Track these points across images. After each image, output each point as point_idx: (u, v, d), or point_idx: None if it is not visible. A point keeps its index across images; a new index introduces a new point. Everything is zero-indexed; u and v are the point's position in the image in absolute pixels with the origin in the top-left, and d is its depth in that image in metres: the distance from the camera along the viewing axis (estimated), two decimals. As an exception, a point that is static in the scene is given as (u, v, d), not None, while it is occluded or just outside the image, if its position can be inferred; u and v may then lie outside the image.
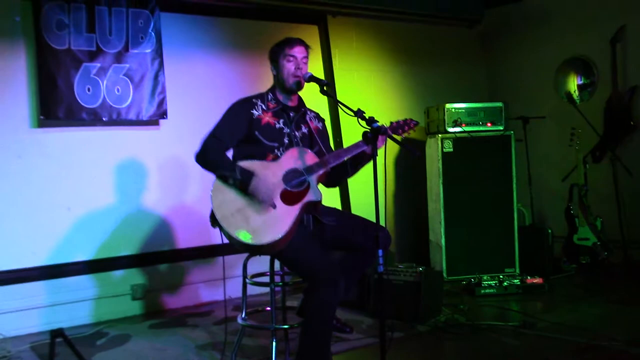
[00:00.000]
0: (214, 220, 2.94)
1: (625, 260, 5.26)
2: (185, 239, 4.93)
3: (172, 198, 4.90)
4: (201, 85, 5.04)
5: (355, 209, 5.46)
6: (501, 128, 5.41)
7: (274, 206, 2.87)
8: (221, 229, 2.92)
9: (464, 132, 5.34)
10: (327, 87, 2.97)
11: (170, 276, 4.90)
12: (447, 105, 5.36)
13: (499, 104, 5.46)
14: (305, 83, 3.10)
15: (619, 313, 4.28)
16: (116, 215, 4.66)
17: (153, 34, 4.70)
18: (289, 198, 2.92)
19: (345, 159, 3.09)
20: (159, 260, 4.84)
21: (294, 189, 2.94)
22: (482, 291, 4.80)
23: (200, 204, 4.89)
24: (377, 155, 2.66)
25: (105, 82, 4.50)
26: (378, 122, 2.69)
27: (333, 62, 5.70)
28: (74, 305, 4.45)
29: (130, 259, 4.71)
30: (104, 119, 4.51)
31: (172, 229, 4.90)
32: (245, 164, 2.98)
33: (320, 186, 3.20)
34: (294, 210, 2.88)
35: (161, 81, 4.74)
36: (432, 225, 5.53)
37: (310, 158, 3.06)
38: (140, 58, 4.66)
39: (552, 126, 6.10)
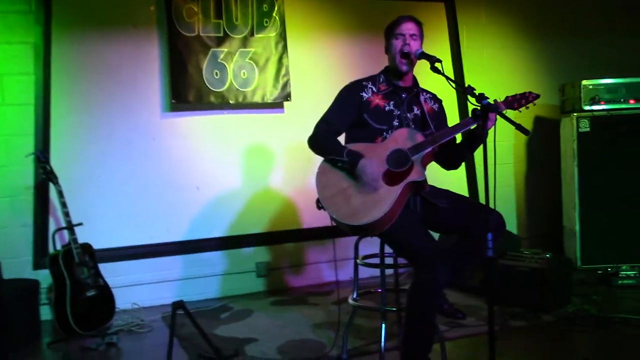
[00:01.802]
0: (319, 202, 2.94)
1: None
2: (308, 220, 5.00)
3: (296, 180, 4.98)
4: (325, 67, 5.08)
5: (483, 192, 5.29)
6: (646, 105, 4.96)
7: (378, 187, 2.82)
8: (325, 209, 2.93)
9: (603, 110, 4.95)
10: (438, 63, 2.85)
11: (293, 255, 5.01)
12: (584, 82, 4.99)
13: (644, 79, 5.00)
14: (417, 60, 3.00)
15: None
16: (243, 196, 4.84)
17: (277, 17, 4.80)
18: (392, 178, 2.86)
19: (455, 137, 2.96)
20: (283, 240, 4.97)
21: (397, 168, 2.87)
22: (620, 282, 4.46)
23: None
24: (487, 135, 2.53)
25: (231, 67, 4.66)
26: (488, 98, 2.55)
27: (460, 40, 5.51)
28: (203, 280, 4.69)
29: (255, 237, 4.87)
30: (230, 102, 4.67)
31: (296, 210, 5.00)
32: (352, 146, 2.96)
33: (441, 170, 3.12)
34: (396, 191, 2.82)
35: (285, 64, 4.83)
36: (566, 210, 5.20)
37: (419, 139, 2.97)
38: (265, 42, 4.77)
39: None
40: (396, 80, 3.13)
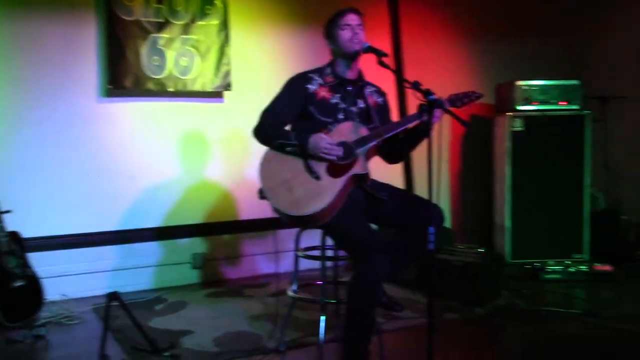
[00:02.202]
0: (261, 192, 2.92)
1: None
2: (246, 212, 4.96)
3: (235, 170, 4.93)
4: (267, 58, 5.04)
5: (418, 187, 5.38)
6: (577, 107, 5.14)
7: (319, 177, 2.82)
8: (267, 199, 2.91)
9: (536, 110, 5.11)
10: (385, 57, 2.87)
11: (230, 247, 4.97)
12: (518, 83, 5.14)
13: (575, 82, 5.18)
14: (363, 53, 3.01)
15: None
16: (180, 186, 4.75)
17: (220, 5, 4.72)
18: (335, 170, 2.87)
19: (399, 132, 3.00)
20: (220, 231, 4.92)
21: (341, 161, 2.89)
22: (547, 276, 4.63)
23: (261, 177, 4.92)
24: (432, 129, 2.56)
25: (172, 53, 4.56)
26: (435, 94, 2.58)
27: (401, 36, 5.56)
28: (137, 270, 4.58)
29: (191, 228, 4.80)
30: (169, 89, 4.57)
31: (233, 201, 4.95)
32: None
33: (380, 164, 3.15)
34: (339, 183, 2.83)
35: (227, 53, 4.76)
36: (497, 207, 5.36)
37: (363, 132, 2.99)
38: (206, 30, 4.69)
39: (634, 107, 5.73)
40: (343, 71, 3.13)
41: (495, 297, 4.10)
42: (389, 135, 2.97)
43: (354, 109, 3.13)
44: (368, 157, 2.98)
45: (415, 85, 2.66)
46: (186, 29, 4.62)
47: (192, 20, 4.64)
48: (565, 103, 5.15)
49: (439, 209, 2.90)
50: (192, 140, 4.79)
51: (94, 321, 3.87)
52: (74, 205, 4.37)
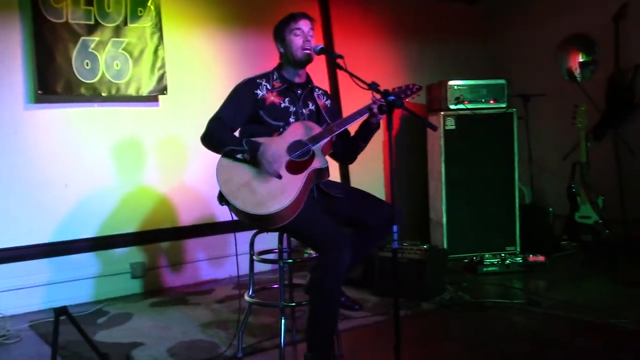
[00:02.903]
0: (222, 198, 2.88)
1: (626, 239, 5.26)
2: (185, 217, 4.87)
3: (172, 176, 4.83)
4: (202, 61, 4.96)
5: (355, 184, 5.43)
6: (504, 105, 5.36)
7: (280, 176, 2.82)
8: (229, 205, 2.86)
9: (467, 109, 5.28)
10: (339, 59, 2.89)
11: (169, 254, 4.84)
12: (450, 82, 5.30)
13: (502, 81, 5.40)
14: (316, 55, 3.03)
15: (622, 292, 4.28)
16: (115, 193, 4.59)
17: (152, 7, 4.60)
18: (294, 168, 2.88)
19: (348, 130, 3.05)
20: (159, 239, 4.79)
21: (299, 158, 2.90)
22: (485, 269, 4.79)
23: (200, 182, 4.85)
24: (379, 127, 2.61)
25: (104, 57, 4.40)
26: (393, 96, 2.62)
27: (334, 37, 5.61)
28: (73, 283, 4.39)
29: (129, 237, 4.65)
30: (102, 94, 4.41)
31: (171, 207, 4.83)
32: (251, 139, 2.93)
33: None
34: (300, 179, 2.84)
35: (161, 56, 4.64)
36: (433, 204, 5.49)
37: (316, 130, 3.01)
38: (139, 32, 4.56)
39: (552, 104, 6.03)
40: (291, 76, 3.14)
41: (440, 292, 4.20)
42: (340, 130, 3.00)
43: (304, 111, 3.15)
44: (324, 153, 2.99)
45: (374, 86, 2.69)
46: (118, 32, 4.47)
47: (124, 23, 4.49)
48: (493, 102, 5.35)
49: (396, 207, 2.94)
50: (126, 146, 4.64)
51: (33, 338, 3.69)
52: (3, 218, 4.14)
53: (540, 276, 4.70)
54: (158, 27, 4.64)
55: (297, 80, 3.15)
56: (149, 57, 4.59)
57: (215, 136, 2.99)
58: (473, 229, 5.31)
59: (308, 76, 3.23)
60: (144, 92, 4.59)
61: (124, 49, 4.49)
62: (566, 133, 5.63)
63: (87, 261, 4.47)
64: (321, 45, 3.01)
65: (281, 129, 3.03)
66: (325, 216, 2.95)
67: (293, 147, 2.93)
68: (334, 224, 2.92)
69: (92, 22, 4.36)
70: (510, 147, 5.35)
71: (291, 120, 3.08)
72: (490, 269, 4.79)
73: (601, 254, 5.11)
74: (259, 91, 3.07)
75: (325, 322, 2.84)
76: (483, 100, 5.34)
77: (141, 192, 4.70)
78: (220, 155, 2.93)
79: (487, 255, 4.92)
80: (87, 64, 4.34)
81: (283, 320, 3.04)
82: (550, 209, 5.46)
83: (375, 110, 2.93)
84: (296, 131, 3.00)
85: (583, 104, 5.41)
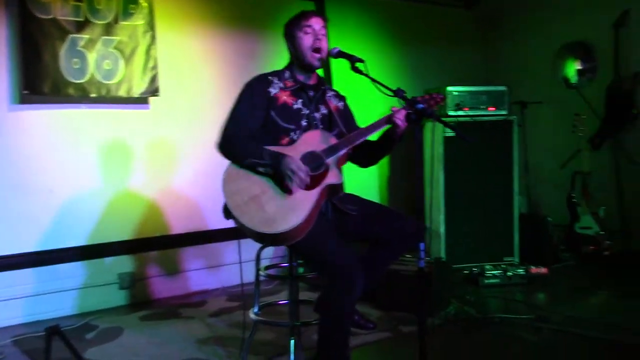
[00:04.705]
0: (227, 212, 2.66)
1: (627, 250, 5.17)
2: (175, 225, 4.66)
3: (162, 181, 4.61)
4: (195, 61, 4.75)
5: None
6: (504, 112, 5.22)
7: (303, 187, 2.62)
8: (234, 219, 2.65)
9: (467, 116, 5.15)
10: (359, 63, 2.72)
11: (159, 264, 4.62)
12: (449, 88, 5.15)
13: (503, 88, 5.26)
14: (332, 59, 2.85)
15: (630, 304, 4.16)
16: (103, 199, 4.36)
17: (145, 5, 4.38)
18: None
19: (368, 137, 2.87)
20: (148, 248, 4.56)
21: (314, 172, 2.69)
22: (487, 281, 4.65)
23: (191, 188, 4.66)
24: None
25: (93, 56, 4.17)
26: (421, 103, 2.46)
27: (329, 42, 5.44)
28: (59, 295, 4.16)
29: (117, 245, 4.42)
30: (91, 95, 4.18)
31: (161, 214, 4.61)
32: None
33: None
34: (313, 195, 2.63)
35: (153, 56, 4.43)
36: (430, 213, 5.34)
37: (332, 141, 2.82)
38: (131, 30, 4.34)
39: (550, 112, 5.94)
40: (303, 77, 2.95)
41: (445, 306, 4.05)
42: (358, 142, 2.81)
43: (317, 115, 2.96)
44: (339, 166, 2.80)
45: (399, 93, 2.53)
46: (108, 30, 4.24)
47: (115, 20, 4.27)
48: (493, 109, 5.22)
49: (419, 222, 2.76)
50: (115, 150, 4.41)
51: (16, 355, 3.45)
52: (-16, 226, 3.89)
53: (544, 289, 4.57)
54: (151, 25, 4.42)
55: (309, 81, 2.97)
56: (141, 56, 4.37)
57: (236, 144, 2.72)
58: (471, 239, 5.15)
59: (320, 78, 3.05)
60: (136, 93, 4.36)
61: (114, 48, 4.27)
62: (563, 141, 5.54)
63: (72, 271, 4.23)
64: (338, 48, 2.83)
65: (292, 133, 2.84)
66: (335, 237, 2.74)
67: (305, 160, 2.72)
68: (347, 248, 2.68)
69: (82, 19, 4.13)
70: (509, 155, 5.21)
71: (303, 123, 2.88)
72: (492, 281, 4.65)
73: (603, 266, 5.01)
74: (271, 89, 2.86)
75: (333, 348, 2.65)
76: (483, 107, 5.20)
77: (130, 198, 4.47)
78: (228, 162, 2.73)
79: (487, 267, 4.78)
80: (76, 63, 4.11)
81: (292, 340, 2.85)
82: (550, 218, 5.34)
83: (400, 120, 2.73)
84: (311, 140, 2.80)
85: (581, 112, 5.32)
